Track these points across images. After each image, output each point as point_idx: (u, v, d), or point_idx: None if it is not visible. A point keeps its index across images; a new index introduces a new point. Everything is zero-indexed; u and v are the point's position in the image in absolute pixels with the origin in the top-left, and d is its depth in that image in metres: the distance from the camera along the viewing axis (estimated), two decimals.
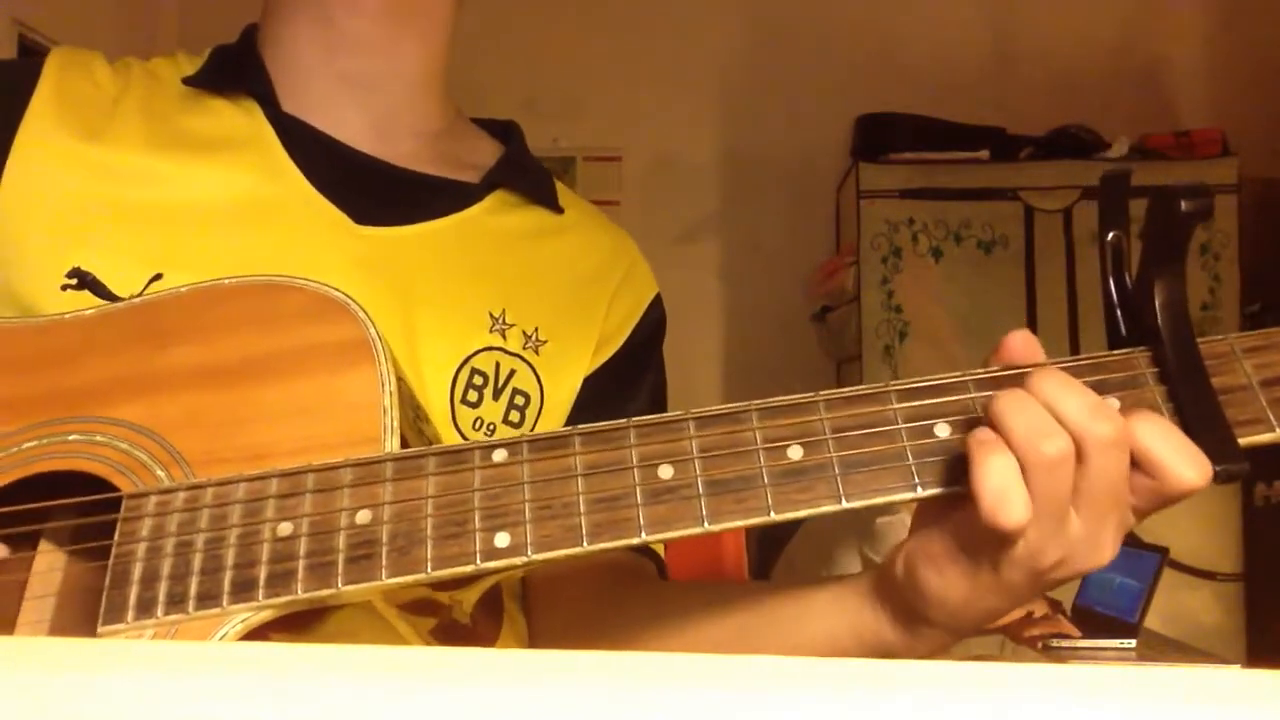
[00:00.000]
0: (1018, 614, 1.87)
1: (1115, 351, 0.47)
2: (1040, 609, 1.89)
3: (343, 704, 0.26)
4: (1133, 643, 1.81)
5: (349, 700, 0.26)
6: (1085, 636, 1.82)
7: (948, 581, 0.47)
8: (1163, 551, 1.92)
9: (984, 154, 2.73)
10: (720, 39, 3.08)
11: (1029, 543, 0.44)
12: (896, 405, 0.46)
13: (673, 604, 0.63)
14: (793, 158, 3.05)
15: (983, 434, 0.43)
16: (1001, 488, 0.42)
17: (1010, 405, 0.43)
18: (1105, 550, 0.45)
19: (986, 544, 0.45)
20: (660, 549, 0.73)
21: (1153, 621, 1.94)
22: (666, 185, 3.08)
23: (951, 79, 2.94)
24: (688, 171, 3.10)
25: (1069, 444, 0.43)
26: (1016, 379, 0.45)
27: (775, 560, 2.34)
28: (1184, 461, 0.43)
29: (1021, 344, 0.47)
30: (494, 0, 2.79)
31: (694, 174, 3.10)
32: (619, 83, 3.06)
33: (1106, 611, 1.91)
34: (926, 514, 0.48)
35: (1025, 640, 1.83)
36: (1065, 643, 1.81)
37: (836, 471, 0.44)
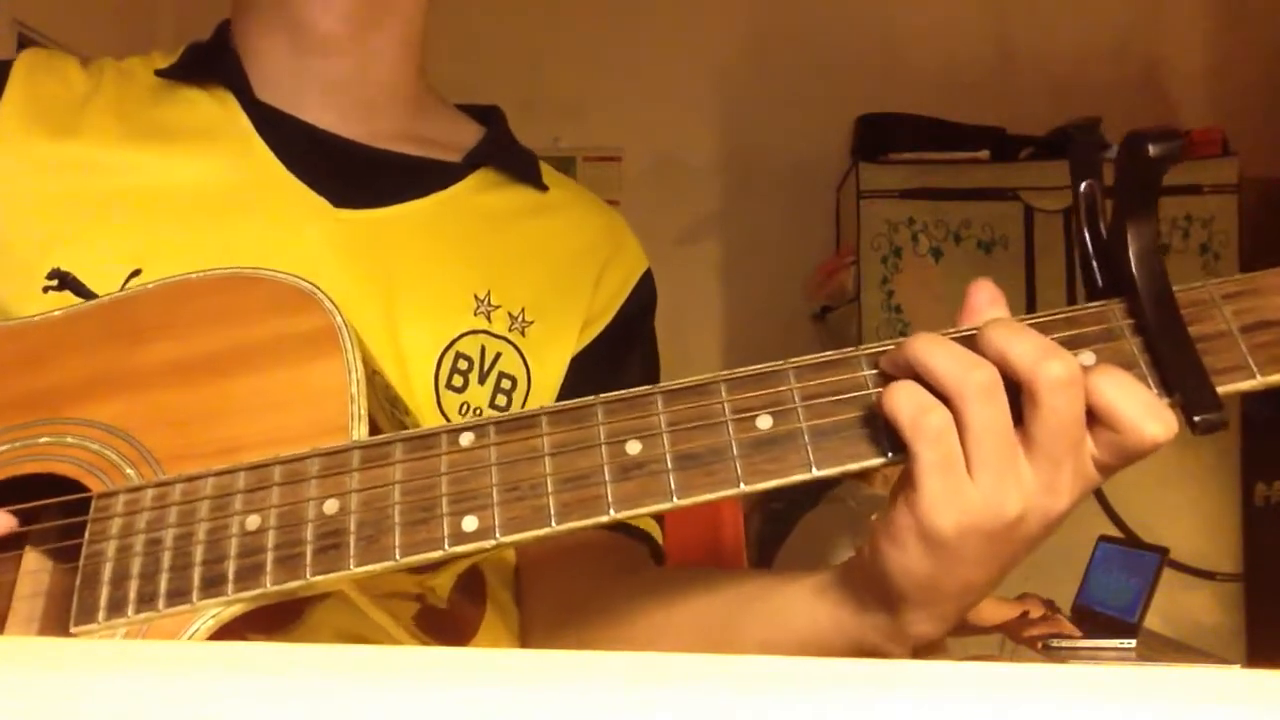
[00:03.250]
0: (1014, 613, 1.87)
1: (1090, 304, 0.45)
2: (1036, 610, 1.90)
3: (340, 704, 0.26)
4: (1133, 643, 1.82)
5: (346, 700, 0.26)
6: (1085, 636, 1.82)
7: (909, 555, 0.44)
8: (1163, 551, 1.92)
9: (984, 154, 2.73)
10: (720, 39, 3.08)
11: (985, 494, 0.42)
12: (867, 371, 0.45)
13: (658, 590, 0.62)
14: (793, 158, 3.04)
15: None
16: (915, 402, 0.42)
17: (925, 347, 0.42)
18: (1062, 496, 0.43)
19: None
20: (656, 532, 0.73)
21: (1153, 621, 1.95)
22: (666, 185, 3.08)
23: (952, 79, 2.94)
24: (688, 171, 3.10)
25: (994, 373, 0.42)
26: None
27: (773, 559, 2.34)
28: (1147, 415, 0.42)
29: (987, 296, 0.46)
30: (494, 0, 2.80)
31: (694, 174, 3.10)
32: (619, 83, 3.06)
33: (1106, 611, 1.92)
34: (894, 493, 0.46)
35: (1025, 640, 1.83)
36: (1065, 643, 1.81)
37: (807, 440, 0.43)
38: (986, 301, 0.46)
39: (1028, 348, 0.42)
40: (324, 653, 0.28)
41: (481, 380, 0.67)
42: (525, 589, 0.71)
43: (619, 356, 0.74)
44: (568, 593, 0.68)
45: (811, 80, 3.03)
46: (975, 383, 0.42)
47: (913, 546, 0.44)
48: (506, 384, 0.68)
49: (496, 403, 0.67)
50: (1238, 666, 1.75)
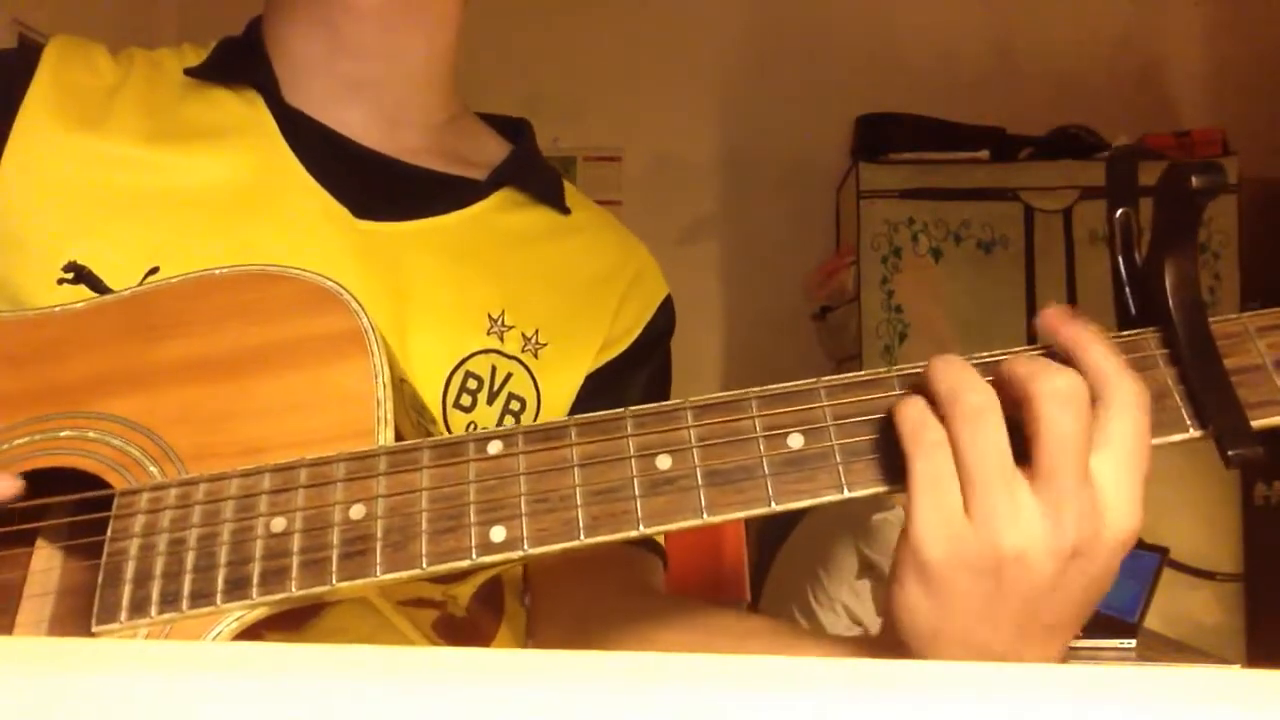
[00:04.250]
0: None
1: (1124, 332, 0.45)
2: None
3: (342, 704, 0.26)
4: (1133, 643, 1.81)
5: (349, 700, 0.26)
6: (1085, 636, 1.82)
7: (906, 591, 0.43)
8: (1163, 551, 1.92)
9: (984, 154, 2.73)
10: (720, 39, 3.08)
11: (976, 523, 0.41)
12: (899, 391, 0.45)
13: (672, 625, 0.62)
14: (793, 158, 3.04)
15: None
16: (915, 416, 0.42)
17: (936, 366, 0.43)
18: (1068, 533, 0.41)
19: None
20: (662, 540, 0.73)
21: (1153, 621, 1.94)
22: (666, 185, 3.08)
23: (951, 79, 2.94)
24: (688, 171, 3.10)
25: (990, 397, 0.41)
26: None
27: (775, 558, 2.34)
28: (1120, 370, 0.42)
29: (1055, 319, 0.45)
30: (494, 0, 2.79)
31: (694, 174, 3.10)
32: (619, 83, 3.06)
33: (1106, 611, 1.91)
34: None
35: None
36: None
37: (838, 460, 0.43)
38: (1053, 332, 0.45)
39: (1035, 368, 0.41)
40: (324, 653, 0.28)
41: (490, 400, 0.66)
42: (536, 598, 0.71)
43: (633, 372, 0.74)
44: (579, 606, 0.68)
45: (811, 80, 3.03)
46: (968, 404, 0.41)
47: (908, 579, 0.43)
48: (515, 405, 0.67)
49: (504, 423, 0.67)
50: (1238, 666, 1.75)
